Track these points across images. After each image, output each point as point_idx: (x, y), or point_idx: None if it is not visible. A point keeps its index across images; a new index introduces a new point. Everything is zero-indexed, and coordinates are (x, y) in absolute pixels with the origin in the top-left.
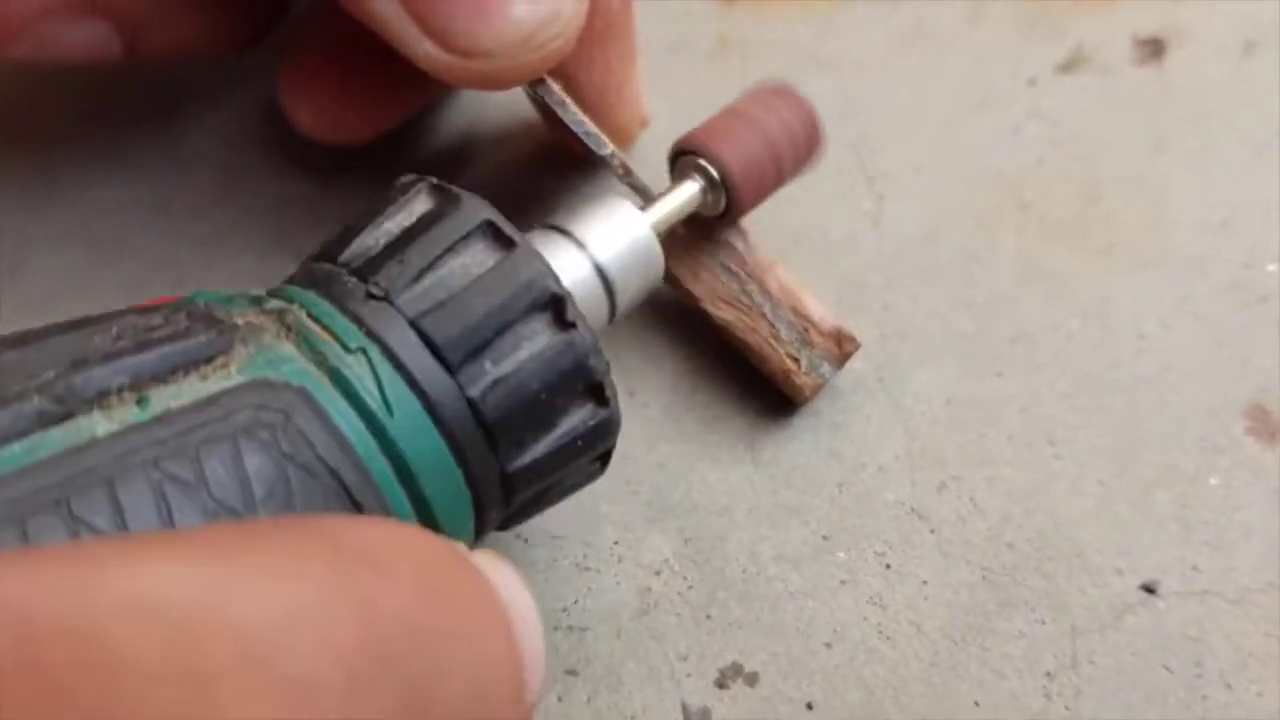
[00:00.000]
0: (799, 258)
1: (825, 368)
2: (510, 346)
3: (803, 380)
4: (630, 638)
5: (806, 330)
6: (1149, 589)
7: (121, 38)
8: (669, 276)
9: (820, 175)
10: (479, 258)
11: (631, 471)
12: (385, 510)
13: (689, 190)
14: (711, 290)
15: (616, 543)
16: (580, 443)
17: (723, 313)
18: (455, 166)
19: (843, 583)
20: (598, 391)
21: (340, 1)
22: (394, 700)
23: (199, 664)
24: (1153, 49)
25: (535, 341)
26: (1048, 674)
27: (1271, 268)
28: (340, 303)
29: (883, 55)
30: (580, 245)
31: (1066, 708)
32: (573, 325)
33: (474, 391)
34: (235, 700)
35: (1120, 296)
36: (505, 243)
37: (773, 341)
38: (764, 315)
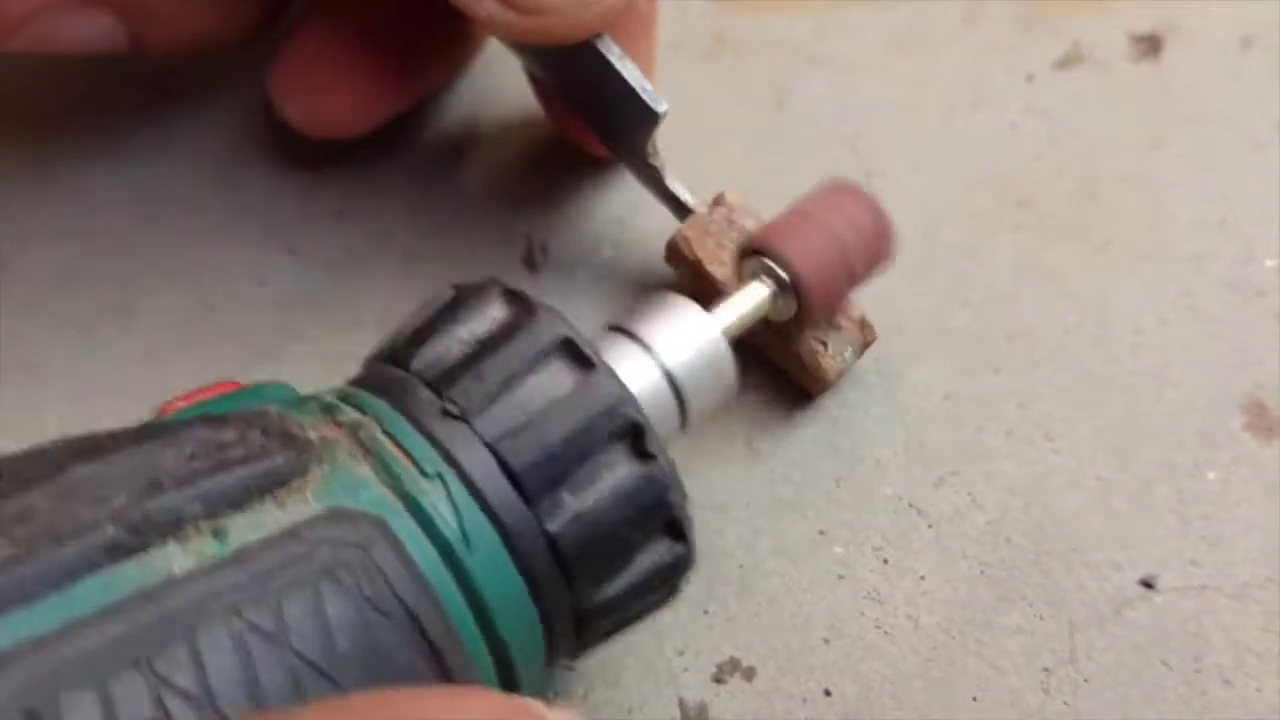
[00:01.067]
0: None
1: (849, 353)
2: (589, 477)
3: (829, 364)
4: (627, 632)
5: (834, 314)
6: (1147, 584)
7: (126, 30)
8: (689, 261)
9: (818, 173)
10: (557, 378)
11: None
12: (461, 654)
13: (759, 294)
14: (737, 275)
15: None
16: (656, 580)
17: None
18: (452, 161)
19: (840, 577)
20: (675, 528)
21: None
22: None
23: None
24: (1149, 46)
25: (615, 472)
26: (1046, 669)
27: (1270, 263)
28: (415, 419)
29: (879, 53)
30: (648, 350)
31: (1065, 703)
32: (653, 457)
33: (553, 526)
34: None
35: (1118, 293)
36: (583, 362)
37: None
38: None
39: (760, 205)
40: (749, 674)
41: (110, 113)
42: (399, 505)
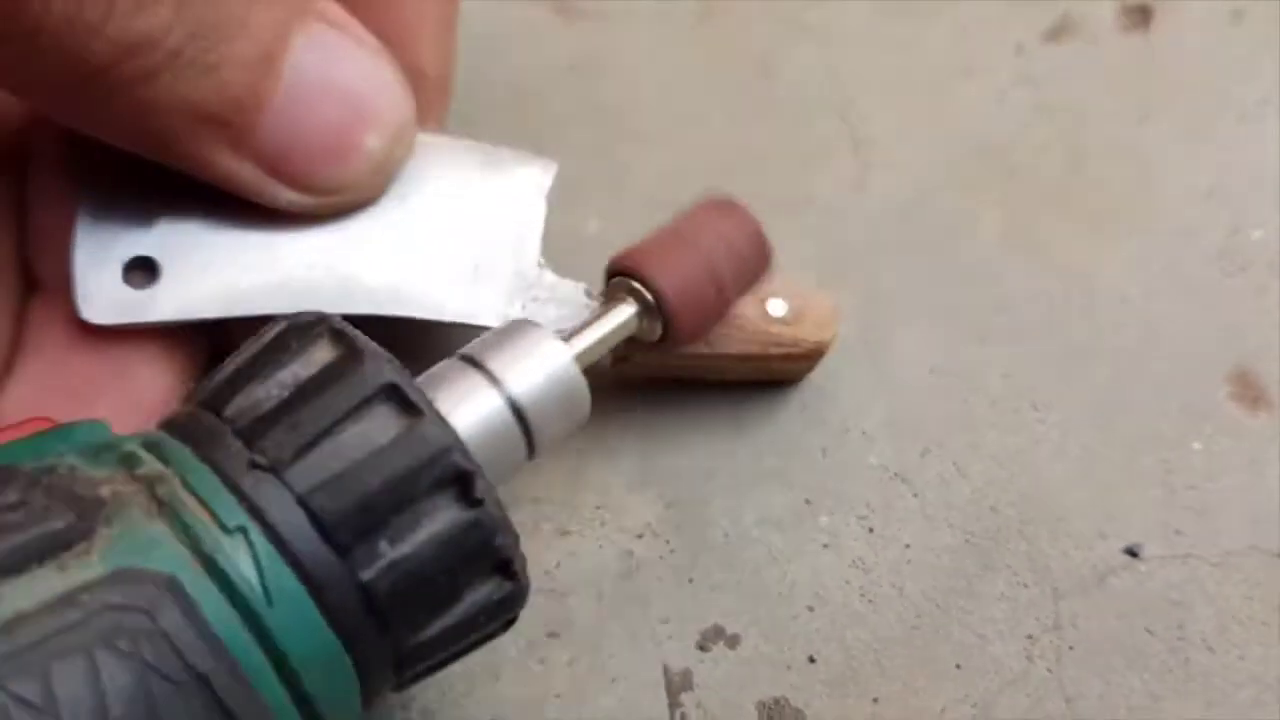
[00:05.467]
0: (783, 225)
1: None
2: (409, 525)
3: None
4: (612, 601)
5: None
6: (1131, 552)
7: None
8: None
9: (806, 142)
10: (379, 425)
11: (614, 436)
12: (263, 713)
13: (622, 315)
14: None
15: (599, 507)
16: (483, 617)
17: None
18: None
19: (825, 546)
20: (505, 567)
21: (189, 171)
22: None
23: None
24: (1140, 17)
25: (437, 519)
26: (1029, 637)
27: (1257, 235)
28: (221, 470)
29: (869, 22)
30: (495, 381)
31: (1048, 670)
32: (480, 502)
33: (367, 575)
34: None
35: (1105, 264)
36: (410, 409)
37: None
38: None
39: (748, 179)
40: (733, 641)
41: None
42: (195, 563)
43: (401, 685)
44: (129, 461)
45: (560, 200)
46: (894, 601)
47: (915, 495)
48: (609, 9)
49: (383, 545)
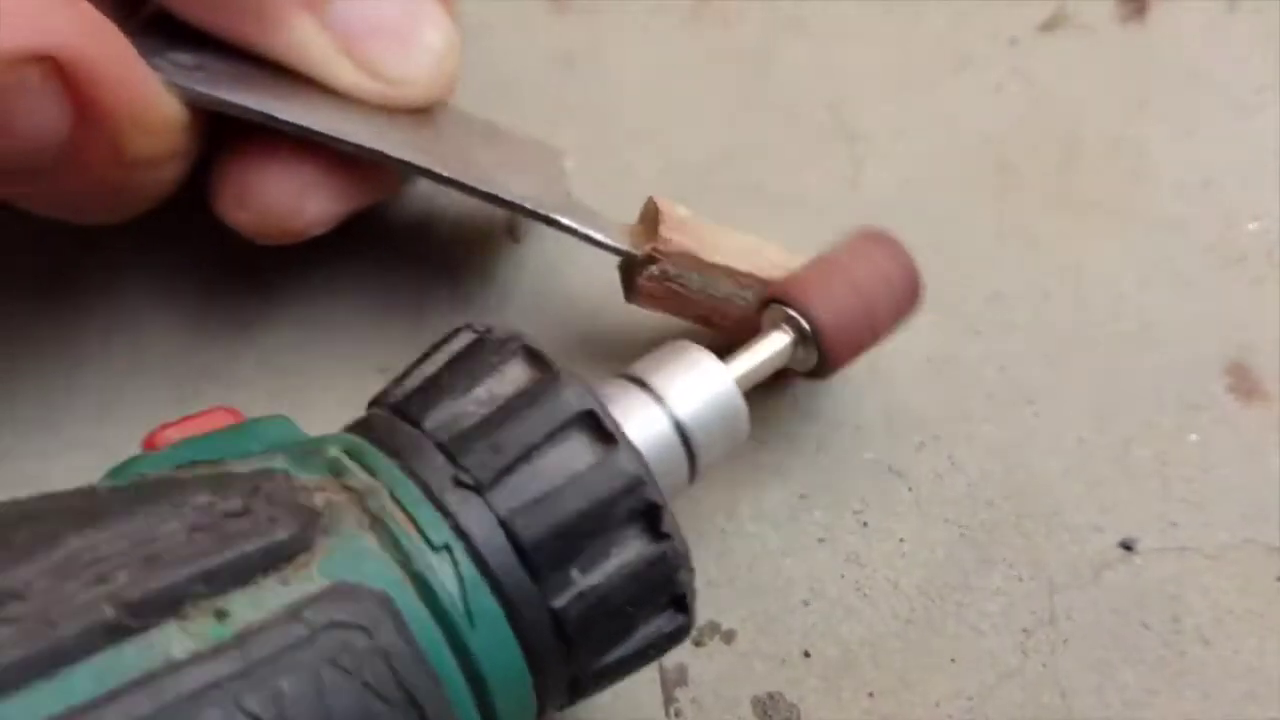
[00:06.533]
0: (776, 221)
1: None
2: (600, 555)
3: None
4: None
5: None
6: (1127, 546)
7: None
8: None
9: (798, 137)
10: (577, 451)
11: None
12: None
13: (778, 343)
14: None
15: None
16: (653, 650)
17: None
18: None
19: (820, 541)
20: (680, 602)
21: (253, 45)
22: None
23: None
24: (1135, 7)
25: (626, 551)
26: (1025, 631)
27: (1252, 226)
28: (426, 486)
29: (862, 15)
30: (659, 399)
31: (1043, 664)
32: (667, 536)
33: (558, 602)
34: None
35: (1099, 256)
36: (604, 437)
37: None
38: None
39: (742, 174)
40: (728, 636)
41: None
42: (405, 580)
43: (566, 706)
44: (336, 469)
45: None
46: (889, 596)
47: (910, 489)
48: (602, 3)
49: (574, 573)
